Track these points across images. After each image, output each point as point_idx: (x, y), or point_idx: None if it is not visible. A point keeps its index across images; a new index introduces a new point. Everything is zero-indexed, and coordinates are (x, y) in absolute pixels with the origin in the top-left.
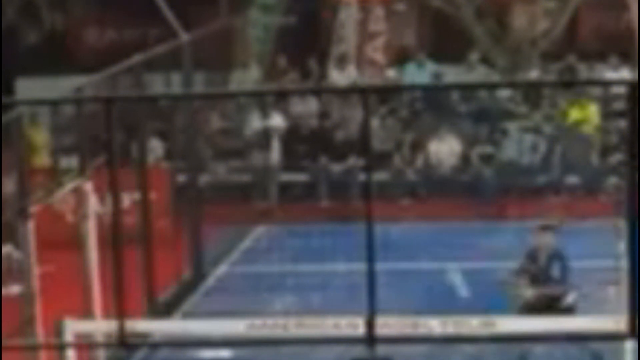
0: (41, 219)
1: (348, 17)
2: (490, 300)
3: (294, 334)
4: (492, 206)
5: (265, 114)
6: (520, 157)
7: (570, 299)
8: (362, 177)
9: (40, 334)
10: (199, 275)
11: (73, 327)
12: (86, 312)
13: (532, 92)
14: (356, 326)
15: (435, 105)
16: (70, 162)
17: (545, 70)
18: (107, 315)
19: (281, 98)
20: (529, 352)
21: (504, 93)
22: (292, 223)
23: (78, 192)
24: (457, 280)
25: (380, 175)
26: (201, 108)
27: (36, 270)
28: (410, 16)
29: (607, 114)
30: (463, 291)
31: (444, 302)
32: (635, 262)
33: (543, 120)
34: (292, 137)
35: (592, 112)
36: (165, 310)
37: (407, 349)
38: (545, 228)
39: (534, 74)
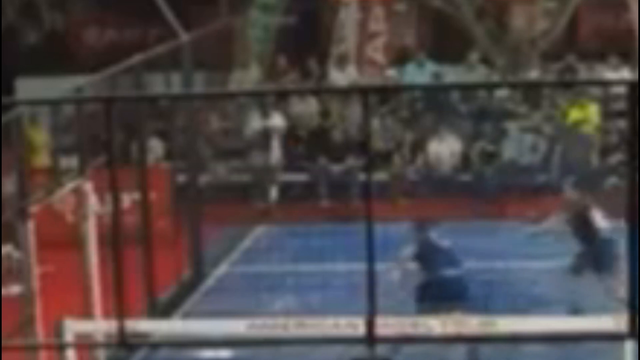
0: (41, 219)
1: (348, 17)
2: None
3: (294, 334)
4: (492, 206)
5: (265, 114)
6: (520, 157)
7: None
8: (362, 177)
9: (40, 334)
10: (199, 275)
11: (73, 327)
12: (86, 312)
13: (532, 92)
14: (356, 326)
15: (435, 105)
16: (70, 162)
17: (545, 70)
18: (107, 315)
19: (281, 98)
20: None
21: (504, 93)
22: (292, 223)
23: (78, 192)
24: None
25: (380, 175)
26: (201, 108)
27: (36, 270)
28: (410, 16)
29: (607, 114)
30: None
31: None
32: (635, 262)
33: (543, 120)
34: (292, 137)
35: (592, 112)
36: (165, 310)
37: (407, 349)
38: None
39: (534, 74)
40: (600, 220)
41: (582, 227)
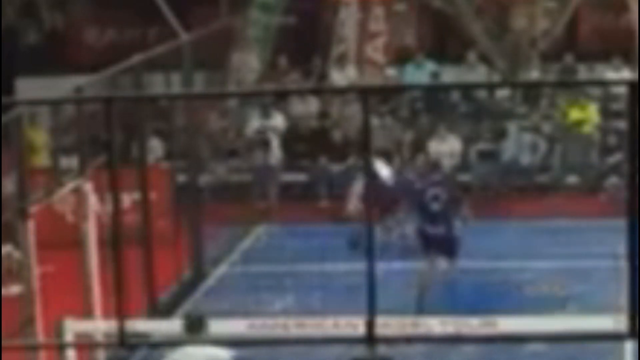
0: (41, 219)
1: (348, 17)
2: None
3: (294, 334)
4: (492, 206)
5: (265, 114)
6: (520, 156)
7: None
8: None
9: (40, 334)
10: (199, 275)
11: (73, 327)
12: (86, 312)
13: (532, 92)
14: (356, 326)
15: (435, 105)
16: (70, 162)
17: (545, 70)
18: (107, 315)
19: (281, 98)
20: None
21: (504, 93)
22: (292, 223)
23: (78, 192)
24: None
25: None
26: (201, 108)
27: (36, 270)
28: (410, 16)
29: (607, 114)
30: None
31: (444, 301)
32: (635, 262)
33: (543, 120)
34: (292, 137)
35: (592, 112)
36: (165, 310)
37: (407, 349)
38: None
39: (534, 74)
40: (381, 169)
41: None
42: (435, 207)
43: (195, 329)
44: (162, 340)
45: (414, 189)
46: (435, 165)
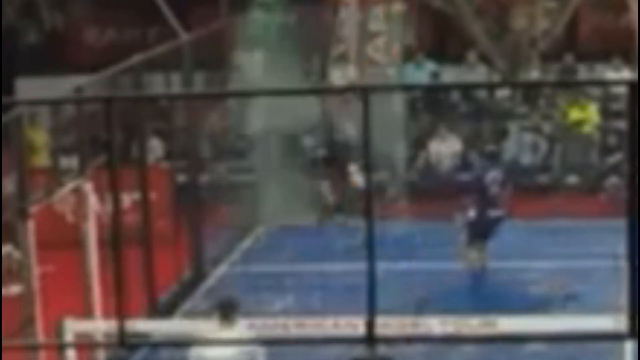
0: (41, 219)
1: (348, 17)
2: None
3: (294, 334)
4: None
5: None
6: (520, 156)
7: None
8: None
9: (40, 334)
10: (199, 275)
11: (73, 327)
12: (86, 312)
13: (532, 92)
14: (356, 326)
15: (435, 105)
16: (70, 162)
17: (545, 70)
18: (107, 315)
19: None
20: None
21: (504, 93)
22: (292, 223)
23: (78, 192)
24: None
25: (380, 175)
26: (201, 108)
27: (36, 270)
28: (410, 16)
29: (607, 114)
30: None
31: (444, 302)
32: (635, 262)
33: (543, 120)
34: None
35: (592, 112)
36: (165, 310)
37: (407, 349)
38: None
39: (534, 74)
40: (355, 173)
41: None
42: (495, 189)
43: (228, 317)
44: (162, 340)
45: (474, 173)
46: None
